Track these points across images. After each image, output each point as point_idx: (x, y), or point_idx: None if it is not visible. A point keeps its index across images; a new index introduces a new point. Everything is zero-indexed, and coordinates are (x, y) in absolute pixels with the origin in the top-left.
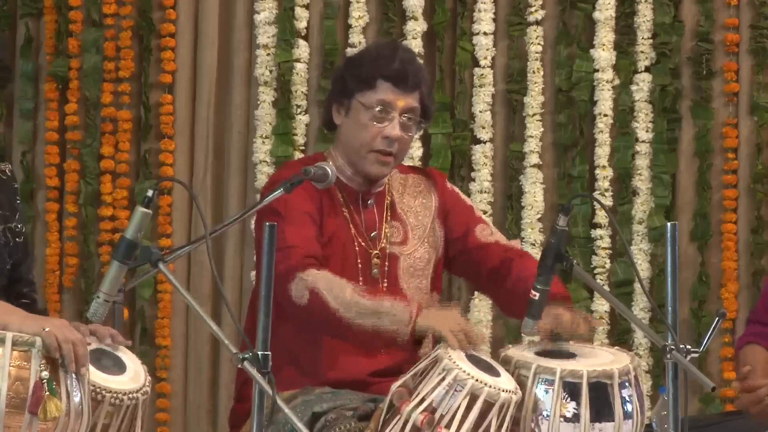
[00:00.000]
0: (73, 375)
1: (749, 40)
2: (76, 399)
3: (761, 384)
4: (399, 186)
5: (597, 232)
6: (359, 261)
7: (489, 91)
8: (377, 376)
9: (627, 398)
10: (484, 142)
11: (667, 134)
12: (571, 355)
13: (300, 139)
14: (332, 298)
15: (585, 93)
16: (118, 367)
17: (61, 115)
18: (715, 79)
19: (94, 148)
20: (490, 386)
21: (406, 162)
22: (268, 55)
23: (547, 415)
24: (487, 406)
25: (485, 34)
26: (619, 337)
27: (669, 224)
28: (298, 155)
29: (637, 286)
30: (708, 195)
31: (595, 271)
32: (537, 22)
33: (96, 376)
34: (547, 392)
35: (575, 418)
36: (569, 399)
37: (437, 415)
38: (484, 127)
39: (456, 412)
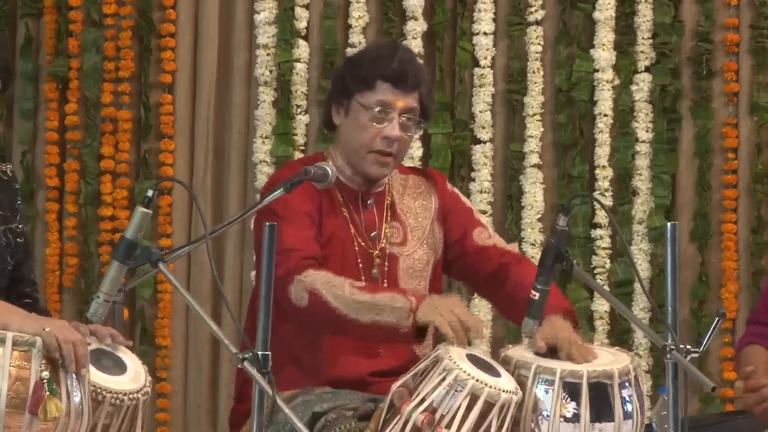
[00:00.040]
0: (74, 375)
1: (749, 40)
2: (77, 399)
3: (765, 383)
4: (399, 187)
5: (597, 232)
6: (359, 261)
7: (489, 91)
8: (377, 376)
9: (627, 398)
10: (484, 142)
11: (667, 134)
12: None
13: (300, 139)
14: (331, 297)
15: (585, 93)
16: (119, 368)
17: (61, 115)
18: (715, 79)
19: (94, 148)
20: (491, 386)
21: (406, 162)
22: (268, 55)
23: (547, 415)
24: (488, 406)
25: (485, 34)
26: (619, 337)
27: (669, 224)
28: (298, 155)
29: (637, 286)
30: (708, 195)
31: (595, 271)
32: (537, 22)
33: (96, 376)
34: (547, 392)
35: (575, 418)
36: (569, 399)
37: (437, 415)
38: (484, 127)
39: (456, 412)
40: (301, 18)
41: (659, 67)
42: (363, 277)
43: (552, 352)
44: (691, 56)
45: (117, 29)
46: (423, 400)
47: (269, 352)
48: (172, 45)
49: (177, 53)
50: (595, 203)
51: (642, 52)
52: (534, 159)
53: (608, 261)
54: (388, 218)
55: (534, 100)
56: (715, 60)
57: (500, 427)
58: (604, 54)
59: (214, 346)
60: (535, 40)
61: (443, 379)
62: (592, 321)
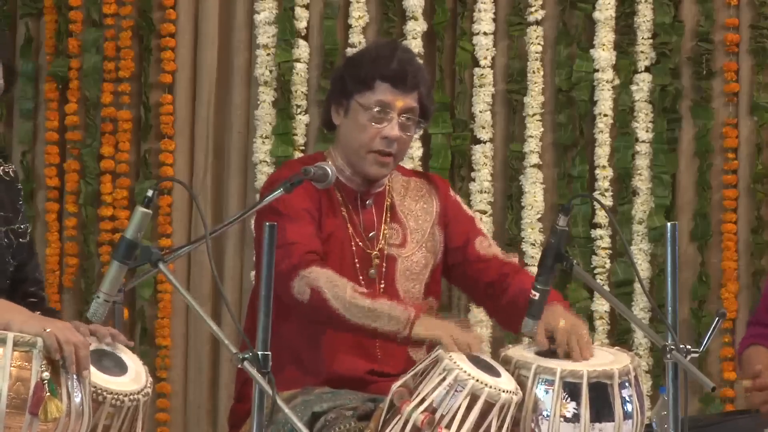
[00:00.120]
0: (74, 376)
1: (749, 40)
2: (77, 400)
3: None
4: (401, 188)
5: (597, 232)
6: (357, 261)
7: (489, 91)
8: (375, 375)
9: (627, 398)
10: (484, 142)
11: (667, 134)
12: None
13: (300, 139)
14: (332, 297)
15: (585, 93)
16: (120, 368)
17: (61, 115)
18: (715, 79)
19: (94, 148)
20: (491, 386)
21: (406, 162)
22: (268, 55)
23: (547, 415)
24: (488, 406)
25: (485, 34)
26: (619, 337)
27: (669, 224)
28: (298, 155)
29: (637, 286)
30: (708, 195)
31: (595, 271)
32: (537, 22)
33: (97, 377)
34: (547, 392)
35: (575, 418)
36: (569, 399)
37: (438, 415)
38: (484, 127)
39: (456, 412)
40: (301, 18)
41: (659, 67)
42: (360, 277)
43: (552, 353)
44: (691, 56)
45: (117, 29)
46: (423, 400)
47: (269, 352)
48: (172, 45)
49: (177, 53)
50: (595, 203)
51: (642, 52)
52: (534, 159)
53: (608, 261)
54: (388, 219)
55: (534, 100)
56: (715, 60)
57: (500, 427)
58: (604, 54)
59: (214, 346)
60: (535, 40)
61: (443, 379)
62: (592, 321)
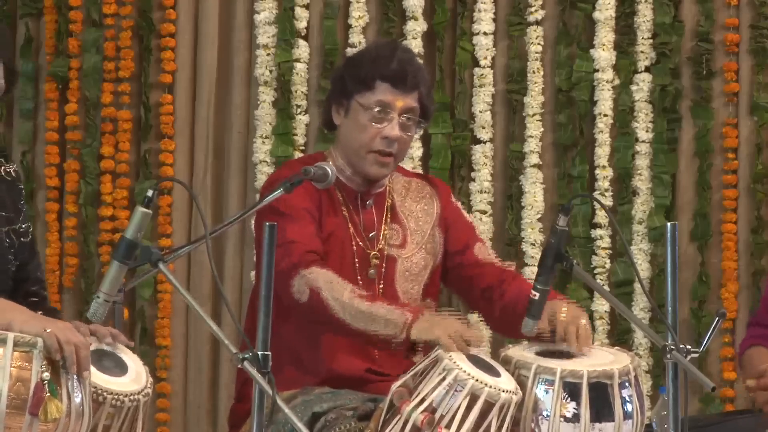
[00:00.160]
0: (74, 376)
1: (749, 40)
2: (77, 400)
3: None
4: (402, 189)
5: (597, 232)
6: (356, 261)
7: (489, 91)
8: (374, 374)
9: (627, 398)
10: (484, 142)
11: (667, 134)
12: (571, 355)
13: (300, 139)
14: (331, 298)
15: (585, 93)
16: (120, 368)
17: (61, 115)
18: (715, 79)
19: (94, 148)
20: (491, 386)
21: (406, 162)
22: (268, 55)
23: (547, 415)
24: (488, 406)
25: (485, 34)
26: (619, 337)
27: (669, 224)
28: (298, 155)
29: (637, 286)
30: (708, 195)
31: (595, 271)
32: (537, 22)
33: (97, 377)
34: (547, 392)
35: (575, 418)
36: (569, 399)
37: (437, 415)
38: (484, 127)
39: (456, 412)
40: (301, 18)
41: (659, 67)
42: (360, 277)
43: (552, 353)
44: (691, 56)
45: (117, 29)
46: (423, 400)
47: (269, 352)
48: (172, 45)
49: (177, 53)
50: (595, 203)
51: (642, 52)
52: (534, 159)
53: (608, 261)
54: (388, 220)
55: (534, 100)
56: (715, 60)
57: (500, 427)
58: (604, 54)
59: (214, 346)
60: (535, 40)
61: (443, 379)
62: (592, 321)
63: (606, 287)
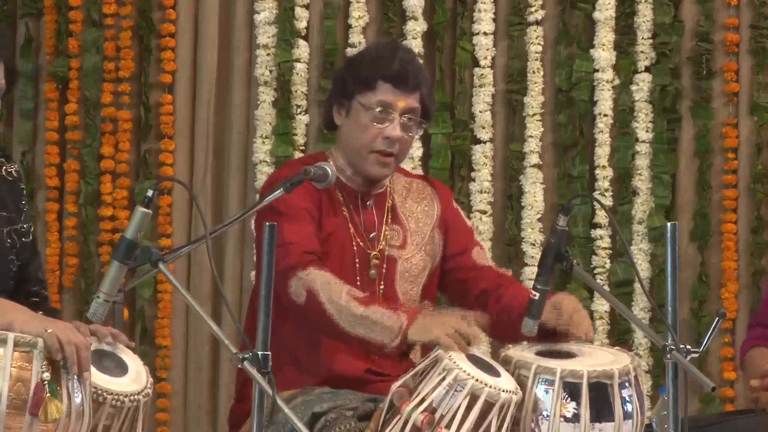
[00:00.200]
0: (75, 376)
1: (749, 40)
2: (77, 400)
3: None
4: (402, 190)
5: (597, 232)
6: (357, 261)
7: (489, 91)
8: (373, 374)
9: (627, 398)
10: (484, 142)
11: (667, 134)
12: (571, 355)
13: (300, 139)
14: (327, 301)
15: (585, 93)
16: (120, 369)
17: (61, 115)
18: (715, 79)
19: (94, 148)
20: (491, 386)
21: (406, 162)
22: (268, 55)
23: (547, 415)
24: (488, 406)
25: (485, 34)
26: (619, 337)
27: (669, 224)
28: (298, 155)
29: (637, 286)
30: (708, 195)
31: (595, 271)
32: (537, 22)
33: (97, 377)
34: (547, 392)
35: (575, 418)
36: (569, 399)
37: (437, 415)
38: (484, 127)
39: (456, 412)
40: (301, 18)
41: (659, 67)
42: (360, 278)
43: (552, 353)
44: (691, 56)
45: (117, 29)
46: (423, 400)
47: (269, 352)
48: (172, 45)
49: (177, 53)
50: (595, 203)
51: (642, 52)
52: (534, 159)
53: (608, 261)
54: (389, 221)
55: (534, 100)
56: (715, 60)
57: (500, 426)
58: (604, 54)
59: (214, 346)
60: (535, 40)
61: (443, 379)
62: (592, 321)
63: (606, 287)
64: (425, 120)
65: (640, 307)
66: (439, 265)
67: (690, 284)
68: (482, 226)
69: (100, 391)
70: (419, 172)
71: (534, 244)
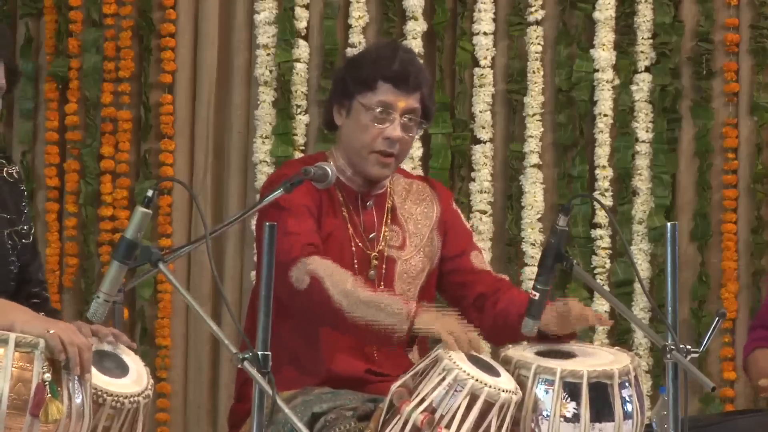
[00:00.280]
0: (75, 377)
1: (749, 40)
2: (78, 401)
3: None
4: (402, 191)
5: (597, 232)
6: (356, 261)
7: (489, 91)
8: (373, 374)
9: (627, 398)
10: (484, 142)
11: (667, 134)
12: (571, 355)
13: (300, 139)
14: (331, 285)
15: (585, 93)
16: (121, 370)
17: (61, 115)
18: (715, 79)
19: (94, 148)
20: (491, 386)
21: (406, 162)
22: (268, 55)
23: (547, 415)
24: (488, 406)
25: (485, 34)
26: (619, 337)
27: (669, 224)
28: (298, 155)
29: (637, 286)
30: (708, 195)
31: (595, 271)
32: (537, 22)
33: (98, 378)
34: (547, 392)
35: (575, 418)
36: (569, 399)
37: (437, 415)
38: (484, 127)
39: (456, 412)
40: (301, 18)
41: (659, 67)
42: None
43: (552, 353)
44: (691, 56)
45: (117, 29)
46: (423, 400)
47: (269, 352)
48: (172, 45)
49: (177, 53)
50: (595, 203)
51: (642, 52)
52: (534, 159)
53: (608, 261)
54: (388, 221)
55: (534, 100)
56: (715, 60)
57: (500, 426)
58: (604, 54)
59: (214, 346)
60: (535, 40)
61: (443, 379)
62: None
63: (606, 287)
64: (425, 120)
65: (640, 307)
66: (437, 266)
67: (690, 284)
68: (482, 226)
69: (100, 392)
70: (419, 172)
71: (534, 244)
